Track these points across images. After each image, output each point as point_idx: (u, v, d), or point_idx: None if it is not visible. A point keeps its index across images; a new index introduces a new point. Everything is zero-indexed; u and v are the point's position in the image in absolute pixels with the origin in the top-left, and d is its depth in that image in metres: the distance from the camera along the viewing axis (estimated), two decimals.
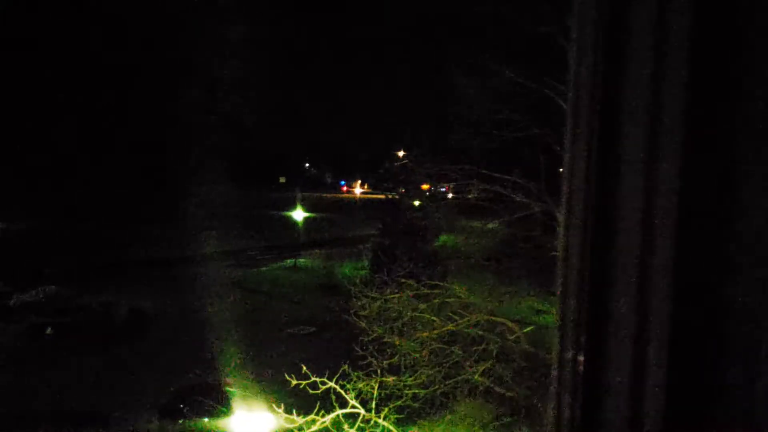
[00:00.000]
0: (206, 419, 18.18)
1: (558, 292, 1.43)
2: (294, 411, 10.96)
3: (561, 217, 1.38)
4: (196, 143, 55.39)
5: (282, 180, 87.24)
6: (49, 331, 25.04)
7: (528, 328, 13.04)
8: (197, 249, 43.08)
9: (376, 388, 11.87)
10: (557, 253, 1.45)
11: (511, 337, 12.78)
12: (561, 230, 1.33)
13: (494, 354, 12.41)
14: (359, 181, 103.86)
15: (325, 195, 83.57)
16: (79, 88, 50.87)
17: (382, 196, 38.71)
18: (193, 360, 22.74)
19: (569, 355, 1.33)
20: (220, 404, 17.84)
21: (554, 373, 1.39)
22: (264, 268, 42.43)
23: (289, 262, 43.41)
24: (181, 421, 18.41)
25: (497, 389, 12.61)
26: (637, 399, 1.23)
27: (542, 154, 13.74)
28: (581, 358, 1.31)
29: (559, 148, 12.29)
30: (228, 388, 18.49)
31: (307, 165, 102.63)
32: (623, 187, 1.23)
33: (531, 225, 14.91)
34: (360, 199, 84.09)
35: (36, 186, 45.31)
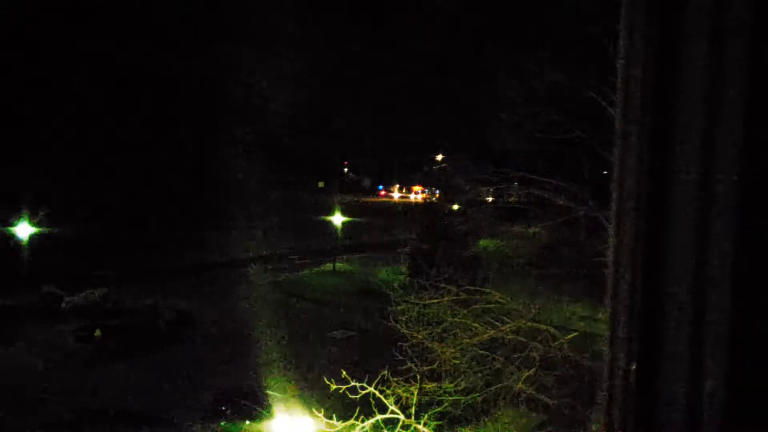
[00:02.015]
0: (248, 422, 18.43)
1: (608, 299, 1.39)
2: (334, 415, 11.00)
3: (611, 225, 1.33)
4: (238, 149, 56.47)
5: (321, 185, 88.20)
6: (97, 333, 25.85)
7: (571, 335, 12.76)
8: (239, 253, 43.85)
9: (415, 393, 11.83)
10: (607, 259, 1.41)
11: (554, 344, 12.52)
12: (611, 237, 1.29)
13: (537, 361, 12.18)
14: (397, 186, 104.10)
15: (363, 199, 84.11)
16: (121, 94, 52.44)
17: (420, 200, 38.65)
18: (235, 362, 23.13)
19: (621, 364, 1.28)
20: (261, 407, 18.06)
21: (605, 382, 1.34)
22: (304, 272, 42.88)
23: (328, 266, 43.74)
24: (223, 423, 18.71)
25: (540, 397, 12.37)
26: (694, 409, 1.18)
27: (585, 157, 13.45)
28: (634, 368, 1.26)
29: (603, 151, 12.02)
30: (269, 391, 18.71)
31: (346, 170, 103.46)
32: (677, 193, 1.18)
33: (574, 229, 14.60)
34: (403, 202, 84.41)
35: (84, 191, 46.91)
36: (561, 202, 14.00)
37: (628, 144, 1.22)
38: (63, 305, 29.42)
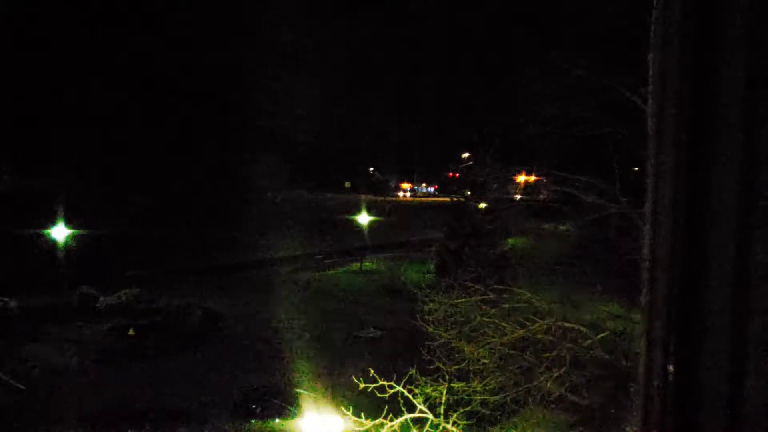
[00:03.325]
0: (277, 420, 18.60)
1: (644, 297, 1.36)
2: (363, 414, 11.03)
3: (646, 222, 1.31)
4: (266, 150, 57.02)
5: (347, 185, 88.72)
6: (131, 332, 26.43)
7: (602, 334, 12.54)
8: (267, 253, 44.30)
9: (444, 393, 11.78)
10: (640, 257, 1.39)
11: (585, 344, 12.33)
12: (647, 233, 1.27)
13: (567, 361, 12.02)
14: (424, 184, 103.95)
15: (389, 198, 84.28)
16: (146, 97, 53.27)
17: (447, 199, 38.53)
18: (265, 361, 23.38)
19: (658, 364, 1.26)
20: (290, 405, 18.22)
21: (641, 383, 1.32)
22: (331, 272, 43.11)
23: (355, 265, 43.89)
24: (253, 421, 18.92)
25: (571, 397, 12.20)
26: (735, 410, 1.15)
27: (615, 153, 13.21)
28: (671, 368, 1.24)
29: (634, 147, 11.79)
30: (298, 390, 18.86)
31: (372, 169, 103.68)
32: (717, 188, 1.15)
33: (605, 227, 14.35)
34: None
35: (114, 193, 47.83)
36: (591, 200, 13.77)
37: (665, 142, 1.19)
38: (98, 305, 30.15)
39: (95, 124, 50.73)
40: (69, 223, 34.22)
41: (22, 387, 21.30)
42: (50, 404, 19.84)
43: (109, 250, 37.54)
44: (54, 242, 33.16)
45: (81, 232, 35.26)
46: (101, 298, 30.48)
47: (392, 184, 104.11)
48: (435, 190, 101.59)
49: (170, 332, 26.95)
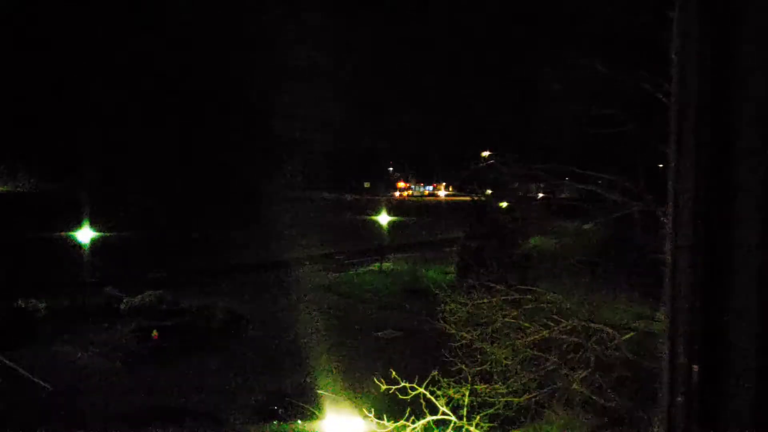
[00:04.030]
0: (299, 421, 18.66)
1: (666, 297, 1.31)
2: (384, 416, 10.99)
3: (668, 217, 1.25)
4: (285, 151, 57.36)
5: (367, 185, 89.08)
6: (154, 333, 26.74)
7: (628, 335, 12.32)
8: (288, 254, 44.54)
9: (466, 395, 11.68)
10: (664, 256, 1.33)
11: (611, 344, 12.12)
12: (669, 231, 1.22)
13: (592, 362, 11.83)
14: (443, 184, 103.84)
15: (409, 198, 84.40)
16: (163, 100, 53.60)
17: (468, 198, 38.38)
18: (286, 362, 23.49)
19: (682, 364, 1.21)
20: (312, 407, 18.26)
21: (665, 383, 1.27)
22: (351, 272, 43.18)
23: (375, 266, 43.91)
24: (275, 423, 19.00)
25: (597, 399, 12.01)
26: (760, 410, 1.09)
27: (638, 150, 12.97)
28: (696, 368, 1.19)
29: (657, 143, 11.56)
30: (319, 391, 18.91)
31: (391, 169, 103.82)
32: (738, 185, 1.09)
33: (629, 225, 14.11)
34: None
35: (135, 197, 48.35)
36: (614, 198, 13.54)
37: (686, 139, 1.14)
38: (122, 306, 30.61)
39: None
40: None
41: (49, 387, 21.72)
42: (76, 405, 20.18)
43: (132, 252, 38.08)
44: (79, 244, 33.71)
45: (103, 234, 35.83)
46: (125, 300, 30.93)
47: (412, 184, 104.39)
48: (433, 188, 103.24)
49: (193, 334, 27.21)
